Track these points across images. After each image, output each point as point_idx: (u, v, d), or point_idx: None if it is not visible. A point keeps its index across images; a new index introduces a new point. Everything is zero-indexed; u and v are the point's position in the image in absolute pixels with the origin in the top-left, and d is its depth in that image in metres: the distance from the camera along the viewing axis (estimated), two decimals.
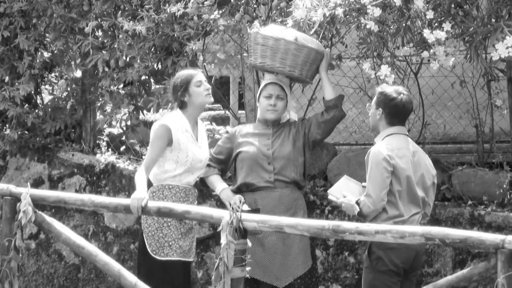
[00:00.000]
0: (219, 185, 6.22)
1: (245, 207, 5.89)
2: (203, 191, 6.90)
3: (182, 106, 5.88)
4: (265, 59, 6.12)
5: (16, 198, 5.64)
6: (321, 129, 6.15)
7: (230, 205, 5.22)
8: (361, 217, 5.52)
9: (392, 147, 5.50)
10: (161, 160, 5.79)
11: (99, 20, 7.62)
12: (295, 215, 5.97)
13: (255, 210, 5.84)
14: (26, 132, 8.20)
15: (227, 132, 7.22)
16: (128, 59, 7.43)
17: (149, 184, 5.87)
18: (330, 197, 5.71)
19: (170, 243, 5.72)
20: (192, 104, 5.85)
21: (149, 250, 5.74)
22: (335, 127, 6.26)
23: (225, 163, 6.27)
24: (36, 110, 8.38)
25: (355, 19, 5.72)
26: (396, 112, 5.57)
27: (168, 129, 5.75)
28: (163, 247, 5.72)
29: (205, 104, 5.94)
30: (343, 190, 5.64)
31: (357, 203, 5.50)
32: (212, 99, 5.99)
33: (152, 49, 7.34)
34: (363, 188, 5.59)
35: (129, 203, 5.44)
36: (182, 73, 5.95)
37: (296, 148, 6.15)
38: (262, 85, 6.31)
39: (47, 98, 8.56)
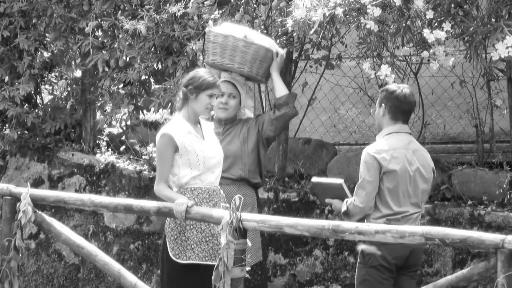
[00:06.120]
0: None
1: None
2: None
3: (184, 100, 5.78)
4: (216, 56, 6.11)
5: (16, 198, 5.64)
6: (273, 126, 6.13)
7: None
8: (346, 216, 5.48)
9: (388, 147, 5.45)
10: (175, 168, 5.64)
11: (99, 20, 7.62)
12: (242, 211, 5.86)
13: None
14: (26, 132, 8.20)
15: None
16: (128, 59, 7.43)
17: None
18: (314, 179, 5.68)
19: (193, 246, 5.55)
20: (192, 106, 5.74)
21: (171, 254, 5.57)
22: (287, 124, 6.25)
23: None
24: (36, 110, 8.39)
25: (355, 19, 5.71)
26: (398, 105, 5.50)
27: (170, 136, 5.62)
28: (186, 251, 5.55)
29: (201, 115, 5.76)
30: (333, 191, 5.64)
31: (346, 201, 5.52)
32: (208, 116, 5.88)
33: (152, 49, 7.33)
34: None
35: (173, 208, 5.37)
36: (207, 78, 5.68)
37: (247, 145, 6.12)
38: None
39: (47, 98, 8.57)
